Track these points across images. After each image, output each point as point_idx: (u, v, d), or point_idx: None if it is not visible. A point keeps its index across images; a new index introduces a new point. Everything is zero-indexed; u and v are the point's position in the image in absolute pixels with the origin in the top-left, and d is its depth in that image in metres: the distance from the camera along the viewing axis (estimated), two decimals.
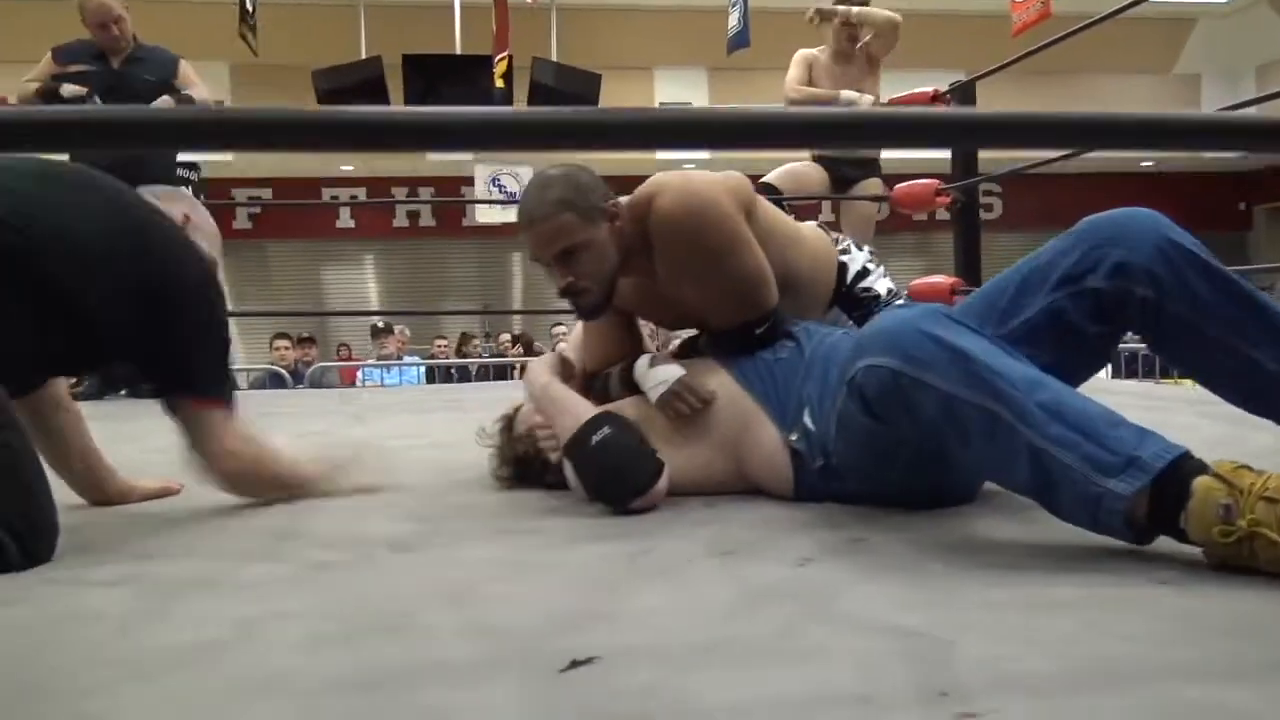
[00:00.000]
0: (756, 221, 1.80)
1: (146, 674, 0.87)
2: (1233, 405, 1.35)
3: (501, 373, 6.30)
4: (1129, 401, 1.33)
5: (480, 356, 7.42)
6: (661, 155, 11.24)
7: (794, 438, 1.57)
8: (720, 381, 1.68)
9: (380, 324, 6.35)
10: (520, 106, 6.34)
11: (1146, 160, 12.06)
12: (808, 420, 1.56)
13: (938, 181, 4.35)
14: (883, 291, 2.07)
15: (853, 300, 2.07)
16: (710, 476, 1.66)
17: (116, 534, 1.49)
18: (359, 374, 6.77)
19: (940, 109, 4.13)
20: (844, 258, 2.08)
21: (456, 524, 1.53)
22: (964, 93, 4.32)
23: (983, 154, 4.70)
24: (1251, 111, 2.87)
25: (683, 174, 1.75)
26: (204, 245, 1.72)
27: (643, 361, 1.77)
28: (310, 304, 11.77)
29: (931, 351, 1.20)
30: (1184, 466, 1.07)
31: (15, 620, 1.06)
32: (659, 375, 1.70)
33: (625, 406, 1.72)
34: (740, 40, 8.08)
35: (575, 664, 0.85)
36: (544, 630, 0.97)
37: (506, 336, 7.95)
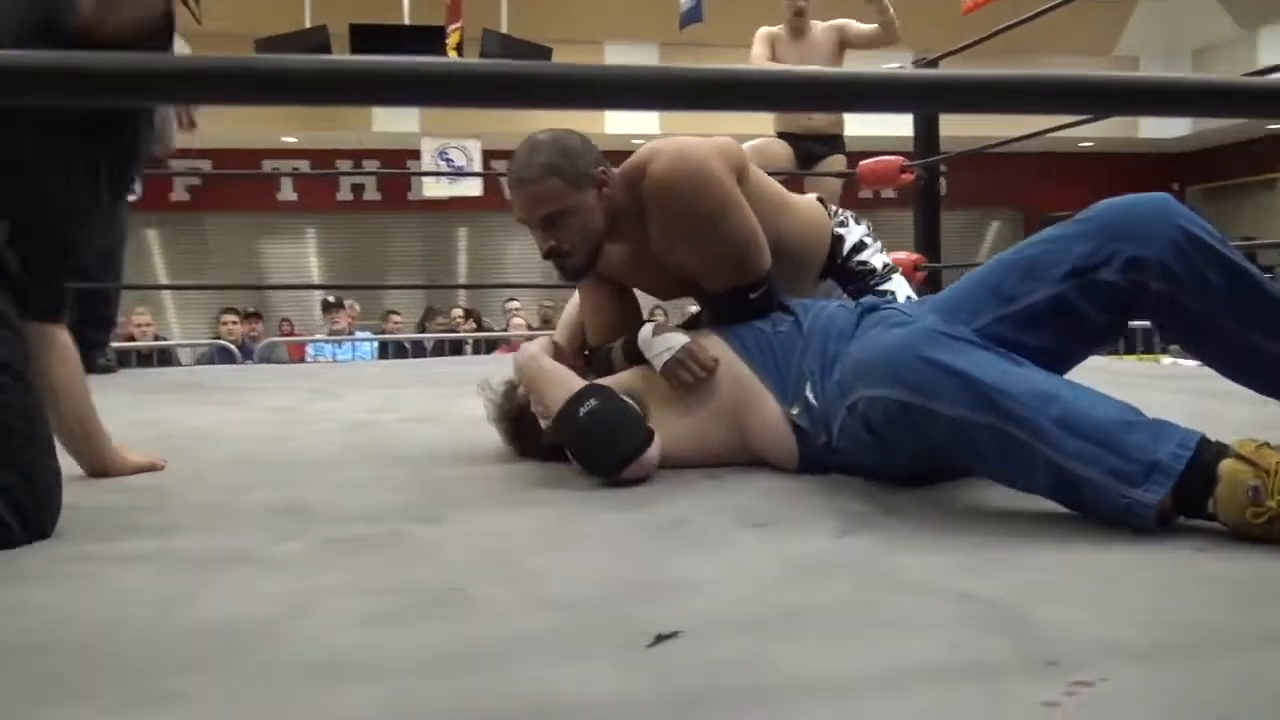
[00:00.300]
0: (748, 185, 1.79)
1: (215, 653, 0.83)
2: (1253, 391, 1.37)
3: (457, 348, 6.22)
4: (1097, 378, 1.34)
5: (442, 332, 7.33)
6: (611, 130, 11.21)
7: (795, 411, 1.57)
8: (720, 353, 1.67)
9: (332, 299, 6.22)
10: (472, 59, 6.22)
11: (1086, 140, 12.28)
12: (809, 394, 1.56)
13: (902, 159, 4.37)
14: (879, 266, 2.06)
15: (848, 273, 2.06)
16: (709, 447, 1.66)
17: (118, 508, 1.43)
18: (308, 350, 6.64)
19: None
20: (841, 230, 2.06)
21: (469, 496, 1.51)
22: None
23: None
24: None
25: (676, 139, 1.74)
26: None
27: (646, 330, 1.75)
28: (250, 279, 11.50)
29: (936, 379, 1.20)
30: (1205, 453, 1.08)
31: (52, 602, 1.01)
32: (664, 343, 1.68)
33: (624, 377, 1.71)
34: (693, 15, 8.04)
35: (661, 638, 0.83)
36: (609, 603, 0.95)
37: (458, 312, 7.86)
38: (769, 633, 0.85)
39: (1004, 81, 0.80)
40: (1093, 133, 11.09)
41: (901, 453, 1.37)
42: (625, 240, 1.82)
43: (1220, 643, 0.80)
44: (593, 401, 1.54)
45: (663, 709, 0.71)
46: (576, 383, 1.60)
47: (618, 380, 1.70)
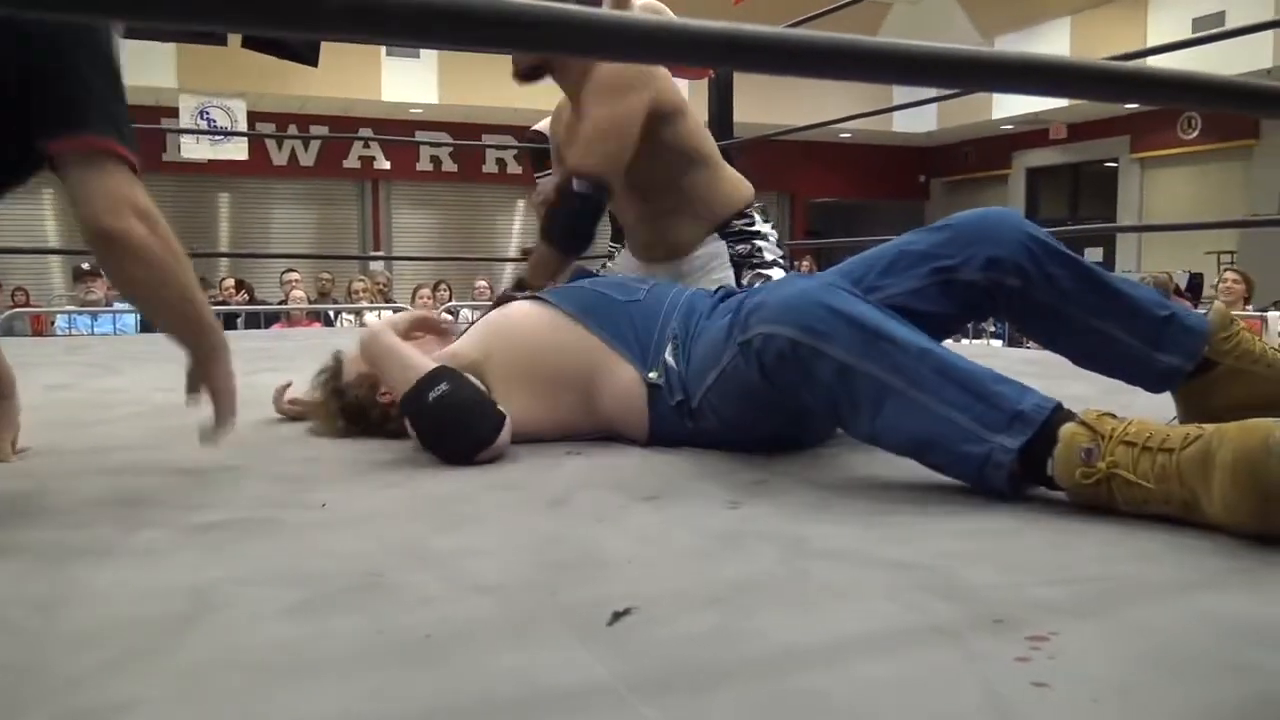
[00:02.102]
0: (670, 128, 2.09)
1: (130, 657, 0.74)
2: (1096, 374, 1.52)
3: (230, 322, 5.83)
4: (1020, 369, 1.45)
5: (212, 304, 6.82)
6: (389, 97, 10.83)
7: (653, 375, 1.59)
8: (566, 326, 1.66)
9: (86, 265, 5.66)
10: None
11: (845, 132, 13.01)
12: (669, 358, 1.58)
13: None
14: (769, 254, 2.22)
15: (736, 233, 2.22)
16: (559, 418, 1.64)
17: None
18: (56, 321, 6.03)
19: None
20: (755, 215, 2.27)
21: (333, 478, 1.42)
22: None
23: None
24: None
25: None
26: None
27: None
28: None
29: (829, 322, 1.25)
30: (1057, 414, 1.15)
31: None
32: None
33: (463, 349, 1.66)
34: None
35: (618, 616, 0.82)
36: (541, 584, 0.92)
37: (230, 283, 7.35)
38: (722, 606, 0.85)
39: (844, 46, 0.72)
40: (852, 125, 11.77)
41: (773, 406, 1.42)
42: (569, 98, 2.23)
43: (1140, 593, 0.87)
44: (443, 385, 1.48)
45: (653, 687, 0.69)
46: (425, 364, 1.53)
47: (454, 351, 1.65)
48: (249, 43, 5.80)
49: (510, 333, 1.68)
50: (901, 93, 13.58)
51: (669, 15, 4.48)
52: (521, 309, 1.72)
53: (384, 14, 0.58)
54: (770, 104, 10.01)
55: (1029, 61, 0.80)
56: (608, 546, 1.04)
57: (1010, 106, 12.45)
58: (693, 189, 2.20)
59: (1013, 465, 1.15)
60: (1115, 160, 12.86)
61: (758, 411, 1.47)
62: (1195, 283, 10.07)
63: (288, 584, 0.91)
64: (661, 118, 2.10)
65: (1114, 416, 1.13)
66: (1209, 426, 1.02)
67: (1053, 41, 11.67)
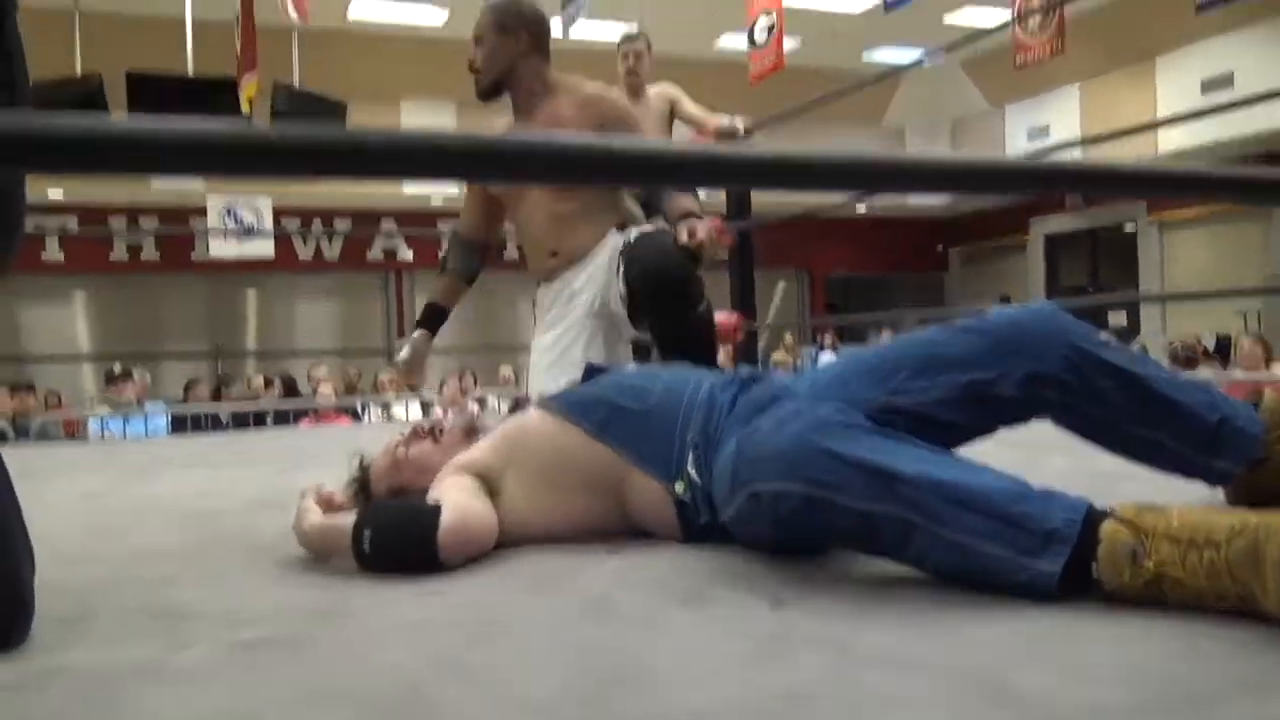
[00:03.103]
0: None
1: None
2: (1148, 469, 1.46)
3: (259, 419, 5.88)
4: (1053, 439, 1.43)
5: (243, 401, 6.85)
6: (410, 189, 11.01)
7: (679, 488, 1.53)
8: (585, 443, 1.61)
9: (117, 369, 5.74)
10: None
11: (861, 206, 13.13)
12: (691, 471, 1.52)
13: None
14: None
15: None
16: (590, 519, 1.61)
17: None
18: (90, 425, 6.10)
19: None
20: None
21: (361, 587, 1.41)
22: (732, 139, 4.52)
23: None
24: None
25: None
26: None
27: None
28: (7, 348, 10.49)
29: (836, 471, 1.20)
30: (1092, 518, 1.11)
31: None
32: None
33: (477, 456, 1.64)
34: None
35: None
36: (588, 701, 0.91)
37: (259, 381, 7.41)
38: None
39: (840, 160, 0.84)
40: (868, 200, 11.90)
41: (801, 535, 1.38)
42: (521, 114, 2.61)
43: (1191, 695, 0.85)
44: (367, 531, 1.47)
45: None
46: (346, 522, 1.51)
47: (470, 460, 1.64)
48: None
49: (529, 443, 1.65)
50: None
51: (685, 100, 4.59)
52: (538, 421, 1.67)
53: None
54: None
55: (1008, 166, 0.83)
56: (652, 656, 1.03)
57: None
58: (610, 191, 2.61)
59: (1057, 586, 1.11)
60: (1133, 224, 12.87)
61: (784, 536, 1.39)
62: (1223, 345, 9.99)
63: (331, 703, 0.91)
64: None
65: (1152, 509, 1.10)
66: (1253, 517, 1.00)
67: (1062, 108, 11.81)
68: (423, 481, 1.67)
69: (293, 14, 5.86)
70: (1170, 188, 0.87)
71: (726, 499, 1.43)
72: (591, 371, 1.79)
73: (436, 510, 1.47)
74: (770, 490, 1.27)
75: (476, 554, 1.49)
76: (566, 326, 2.59)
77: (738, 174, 0.88)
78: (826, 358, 9.42)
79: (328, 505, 1.64)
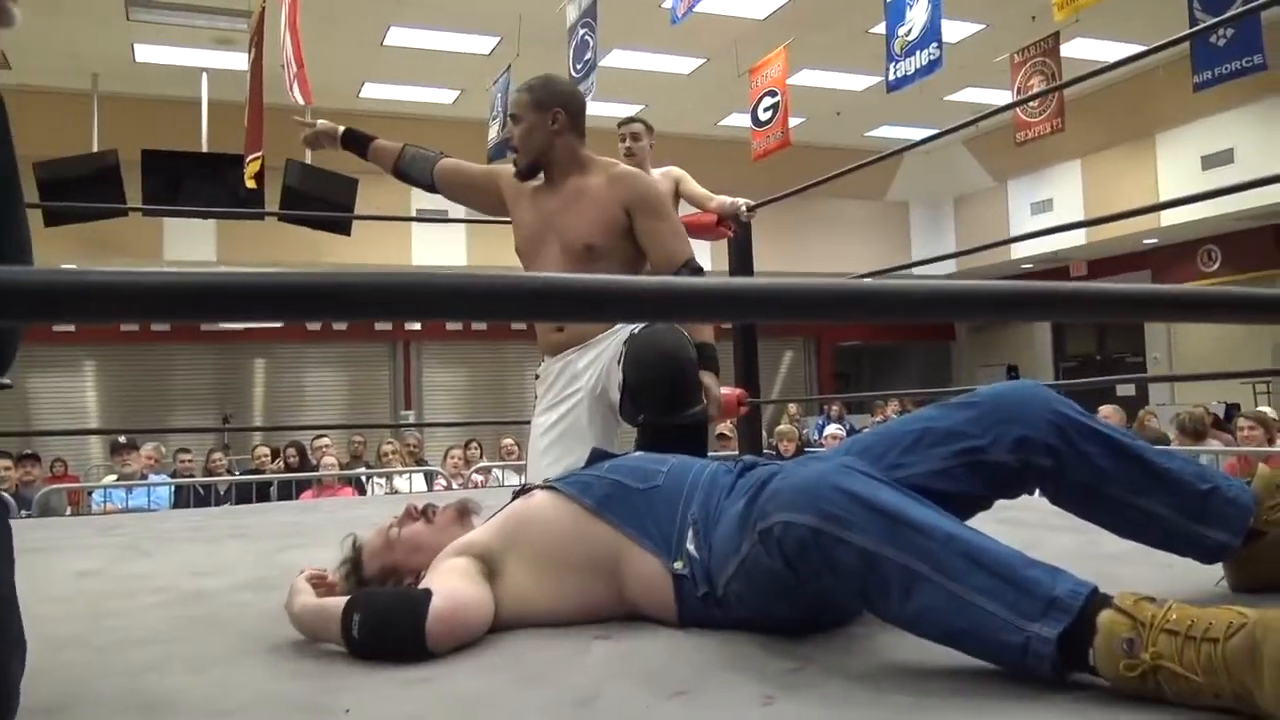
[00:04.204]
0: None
1: None
2: (1144, 545, 1.47)
3: (264, 491, 5.85)
4: (1057, 521, 1.42)
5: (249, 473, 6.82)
6: (419, 260, 11.13)
7: (678, 565, 1.53)
8: (585, 519, 1.61)
9: (123, 439, 5.75)
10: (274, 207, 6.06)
11: (868, 277, 13.20)
12: (690, 547, 1.53)
13: (740, 394, 4.44)
14: None
15: None
16: (589, 602, 1.60)
17: None
18: (92, 496, 6.09)
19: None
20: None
21: (352, 676, 1.39)
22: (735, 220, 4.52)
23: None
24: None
25: None
26: None
27: None
28: (16, 417, 10.54)
29: (848, 508, 1.22)
30: (1093, 600, 1.10)
31: None
32: None
33: (479, 539, 1.63)
34: (501, 151, 8.16)
35: None
36: None
37: (264, 451, 7.40)
38: None
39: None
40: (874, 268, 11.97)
41: (798, 592, 1.37)
42: (551, 182, 2.63)
43: None
44: (356, 616, 1.46)
45: None
46: (336, 606, 1.50)
47: (471, 540, 1.63)
48: (286, 217, 6.04)
49: (531, 523, 1.64)
50: (919, 241, 13.89)
51: (689, 181, 4.63)
52: (541, 501, 1.68)
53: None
54: (789, 254, 10.21)
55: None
56: None
57: (1029, 246, 12.61)
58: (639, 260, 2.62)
59: (1053, 655, 1.10)
60: None
61: (783, 598, 1.41)
62: (1232, 414, 9.93)
63: None
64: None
65: (1151, 600, 1.09)
66: (1251, 613, 0.99)
67: (1064, 183, 11.93)
68: (416, 561, 1.67)
69: (297, 96, 5.97)
70: (1163, 309, 0.88)
71: (730, 556, 1.43)
72: (597, 456, 1.80)
73: (427, 596, 1.46)
74: (780, 520, 1.27)
75: (467, 639, 1.48)
76: (567, 409, 2.58)
77: (699, 307, 0.90)
78: (832, 429, 9.39)
79: (320, 585, 1.64)
